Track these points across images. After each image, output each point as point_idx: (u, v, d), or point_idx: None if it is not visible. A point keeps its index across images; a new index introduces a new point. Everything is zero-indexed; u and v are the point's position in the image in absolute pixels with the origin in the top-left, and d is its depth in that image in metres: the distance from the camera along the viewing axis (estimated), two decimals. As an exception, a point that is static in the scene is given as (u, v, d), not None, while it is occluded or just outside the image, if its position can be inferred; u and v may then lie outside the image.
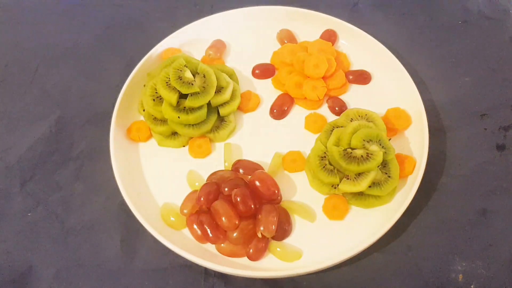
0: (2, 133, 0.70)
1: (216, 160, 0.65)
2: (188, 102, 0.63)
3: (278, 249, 0.58)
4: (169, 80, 0.63)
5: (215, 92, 0.65)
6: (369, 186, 0.59)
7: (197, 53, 0.74)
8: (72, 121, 0.71)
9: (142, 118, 0.68)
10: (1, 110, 0.72)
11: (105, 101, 0.70)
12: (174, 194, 0.62)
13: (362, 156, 0.58)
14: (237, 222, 0.56)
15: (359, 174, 0.59)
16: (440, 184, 0.63)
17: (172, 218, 0.60)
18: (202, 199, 0.58)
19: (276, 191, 0.59)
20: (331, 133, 0.62)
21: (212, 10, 0.77)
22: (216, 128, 0.66)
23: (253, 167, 0.63)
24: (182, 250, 0.55)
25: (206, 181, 0.62)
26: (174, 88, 0.63)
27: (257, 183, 0.58)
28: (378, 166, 0.59)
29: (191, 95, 0.63)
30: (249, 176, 0.60)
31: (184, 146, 0.67)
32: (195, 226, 0.58)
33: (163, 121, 0.65)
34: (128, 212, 0.59)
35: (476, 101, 0.70)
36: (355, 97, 0.70)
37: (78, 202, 0.64)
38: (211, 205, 0.57)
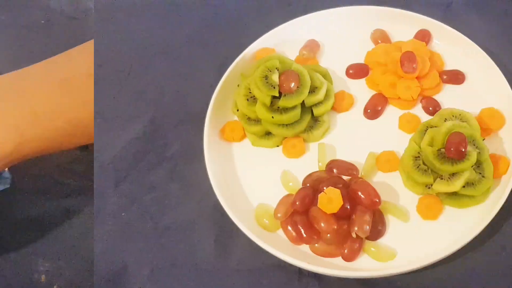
0: (96, 133, 0.71)
1: (310, 160, 0.65)
2: (281, 102, 0.63)
3: (372, 249, 0.57)
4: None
5: (309, 92, 0.64)
6: (463, 186, 0.57)
7: (291, 53, 0.73)
8: (165, 121, 0.71)
9: (236, 118, 0.68)
10: (95, 110, 0.73)
11: (199, 101, 0.70)
12: (268, 195, 0.62)
13: (456, 156, 0.57)
14: (335, 227, 0.55)
15: (453, 174, 0.57)
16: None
17: (266, 221, 0.60)
18: (297, 203, 0.57)
19: (378, 200, 0.58)
20: (425, 133, 0.61)
21: (305, 10, 0.76)
22: (310, 128, 0.66)
23: (347, 167, 0.62)
24: (276, 250, 0.55)
25: (302, 183, 0.62)
26: (268, 88, 0.63)
27: (360, 193, 0.58)
28: (472, 166, 0.57)
29: (285, 95, 0.63)
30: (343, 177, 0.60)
31: (278, 146, 0.66)
32: (289, 228, 0.58)
33: (257, 121, 0.65)
34: (222, 212, 0.58)
35: None
36: (449, 97, 0.68)
37: (172, 202, 0.64)
38: (306, 208, 0.57)
